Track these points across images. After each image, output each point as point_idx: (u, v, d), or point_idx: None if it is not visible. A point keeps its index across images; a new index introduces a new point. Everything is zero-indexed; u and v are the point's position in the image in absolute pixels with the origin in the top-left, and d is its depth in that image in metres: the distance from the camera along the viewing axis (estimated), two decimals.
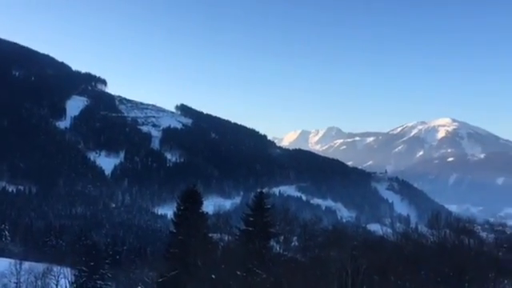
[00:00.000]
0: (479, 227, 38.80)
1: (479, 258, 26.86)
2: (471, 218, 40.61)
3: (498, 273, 24.79)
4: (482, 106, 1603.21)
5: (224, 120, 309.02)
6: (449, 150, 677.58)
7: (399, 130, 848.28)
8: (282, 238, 46.96)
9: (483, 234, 37.42)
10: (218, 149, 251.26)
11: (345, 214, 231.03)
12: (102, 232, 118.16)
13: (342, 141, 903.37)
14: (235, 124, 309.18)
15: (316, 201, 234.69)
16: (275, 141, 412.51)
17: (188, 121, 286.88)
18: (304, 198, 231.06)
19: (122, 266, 66.62)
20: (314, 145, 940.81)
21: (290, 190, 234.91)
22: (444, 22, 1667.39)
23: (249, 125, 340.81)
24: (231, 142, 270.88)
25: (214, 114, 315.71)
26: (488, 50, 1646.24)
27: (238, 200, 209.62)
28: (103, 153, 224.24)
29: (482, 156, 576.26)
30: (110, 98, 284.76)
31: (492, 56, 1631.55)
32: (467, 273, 23.15)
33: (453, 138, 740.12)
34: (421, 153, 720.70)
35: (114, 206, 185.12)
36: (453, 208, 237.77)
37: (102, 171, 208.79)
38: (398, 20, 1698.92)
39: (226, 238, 46.07)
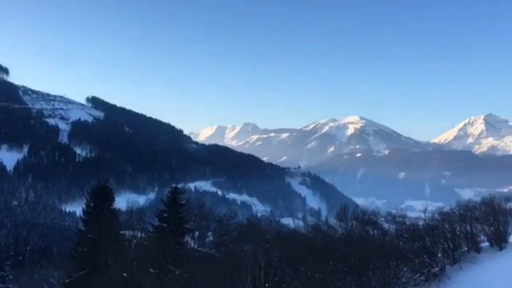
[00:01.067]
0: (383, 219, 41.22)
1: (382, 248, 28.57)
2: (376, 211, 43.10)
3: (398, 261, 26.54)
4: (386, 106, 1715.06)
5: (138, 114, 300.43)
6: (357, 146, 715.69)
7: (312, 126, 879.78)
8: (197, 233, 46.77)
9: (386, 225, 39.75)
10: (131, 143, 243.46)
11: (260, 208, 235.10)
12: (2, 232, 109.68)
13: (257, 136, 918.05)
14: (150, 118, 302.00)
15: (232, 196, 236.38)
16: (191, 136, 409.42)
17: (100, 114, 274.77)
18: (220, 193, 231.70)
19: (26, 266, 62.59)
20: (231, 140, 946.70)
21: (205, 186, 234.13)
22: (354, 24, 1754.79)
23: (164, 119, 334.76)
24: (146, 136, 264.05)
25: (127, 107, 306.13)
26: (393, 52, 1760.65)
27: (152, 196, 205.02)
28: (4, 147, 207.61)
29: (386, 152, 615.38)
30: (13, 88, 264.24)
31: (397, 58, 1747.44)
32: (371, 262, 24.53)
33: (361, 135, 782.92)
34: (332, 149, 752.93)
35: (16, 203, 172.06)
36: (360, 201, 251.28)
37: (2, 167, 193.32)
38: (308, 19, 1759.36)
39: (139, 234, 44.88)
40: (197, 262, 32.04)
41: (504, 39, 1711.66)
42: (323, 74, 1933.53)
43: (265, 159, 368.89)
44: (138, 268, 30.06)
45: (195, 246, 44.18)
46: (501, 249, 31.46)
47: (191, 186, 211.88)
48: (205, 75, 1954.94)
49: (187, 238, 42.13)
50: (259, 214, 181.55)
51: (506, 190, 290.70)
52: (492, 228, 32.65)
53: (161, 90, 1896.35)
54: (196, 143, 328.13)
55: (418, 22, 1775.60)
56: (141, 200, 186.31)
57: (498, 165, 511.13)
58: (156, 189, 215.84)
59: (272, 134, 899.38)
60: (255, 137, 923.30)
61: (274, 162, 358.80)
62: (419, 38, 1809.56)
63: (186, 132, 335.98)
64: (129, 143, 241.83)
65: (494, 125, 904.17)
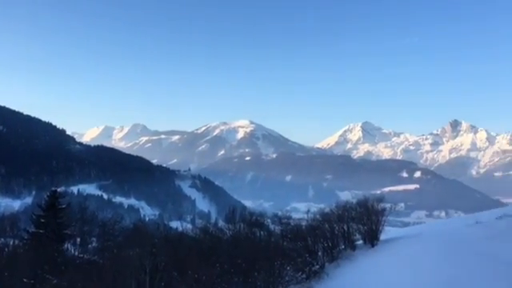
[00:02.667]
0: (269, 220, 42.38)
1: (268, 248, 29.49)
2: (263, 212, 44.29)
3: (282, 260, 27.53)
4: (275, 111, 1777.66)
5: (14, 111, 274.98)
6: (246, 150, 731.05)
7: (203, 129, 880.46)
8: (79, 239, 44.21)
9: (272, 227, 40.89)
10: (5, 143, 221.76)
11: (148, 212, 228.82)
12: None
13: (147, 138, 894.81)
14: (28, 116, 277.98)
15: (118, 199, 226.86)
16: (75, 136, 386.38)
17: None
18: (105, 196, 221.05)
19: None
20: (118, 141, 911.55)
21: (90, 189, 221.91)
22: (243, 29, 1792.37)
23: (45, 118, 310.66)
24: (22, 135, 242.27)
25: (1, 103, 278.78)
26: (279, 61, 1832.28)
27: (29, 200, 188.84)
28: None
29: (274, 156, 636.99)
30: None
31: (284, 67, 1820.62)
32: (257, 262, 25.18)
33: (250, 138, 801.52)
34: (222, 152, 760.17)
35: None
36: (248, 203, 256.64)
37: None
38: (198, 19, 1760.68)
39: (12, 242, 41.18)
40: (78, 269, 30.22)
41: (376, 51, 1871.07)
42: (215, 77, 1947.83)
43: (154, 161, 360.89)
44: (9, 278, 27.56)
45: (76, 253, 41.71)
46: (373, 246, 34.17)
47: (74, 189, 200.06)
48: (90, 73, 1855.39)
49: (67, 245, 39.69)
50: (147, 218, 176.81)
51: (378, 191, 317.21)
52: (366, 227, 35.28)
53: (41, 87, 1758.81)
54: (80, 144, 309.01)
55: (300, 37, 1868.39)
56: (15, 205, 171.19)
57: (373, 169, 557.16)
58: (33, 192, 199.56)
59: (162, 136, 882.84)
60: (145, 138, 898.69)
61: (164, 165, 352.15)
62: (297, 49, 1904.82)
63: (69, 132, 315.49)
64: (2, 143, 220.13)
65: (369, 132, 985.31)
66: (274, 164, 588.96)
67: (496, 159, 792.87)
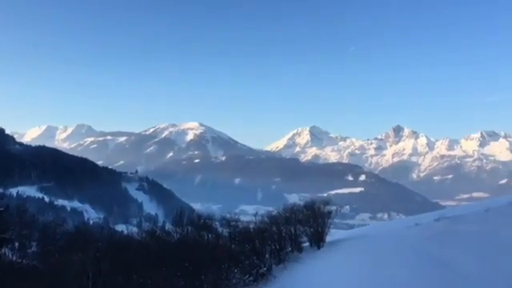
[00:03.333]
0: (217, 223, 42.26)
1: (215, 251, 29.44)
2: (211, 215, 44.10)
3: (230, 263, 27.57)
4: (225, 114, 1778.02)
5: None
6: (196, 152, 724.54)
7: (151, 131, 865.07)
8: (17, 244, 42.23)
9: (221, 229, 40.81)
10: None
11: (93, 215, 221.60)
12: None
13: (92, 139, 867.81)
14: None
15: (61, 202, 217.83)
16: (15, 136, 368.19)
17: None
18: (47, 199, 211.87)
19: None
20: (62, 142, 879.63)
21: (30, 191, 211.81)
22: (196, 29, 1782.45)
23: None
24: None
25: None
26: (227, 63, 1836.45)
27: None
28: None
29: (224, 158, 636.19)
30: None
31: (231, 70, 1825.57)
32: (204, 265, 25.08)
33: (200, 141, 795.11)
34: (171, 154, 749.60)
35: None
36: (197, 206, 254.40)
37: None
38: (146, 22, 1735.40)
39: None
40: (16, 275, 28.83)
41: (322, 59, 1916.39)
42: (165, 78, 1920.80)
43: (100, 163, 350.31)
44: None
45: (15, 258, 39.81)
46: (319, 247, 34.89)
47: (13, 191, 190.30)
48: (31, 70, 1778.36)
49: (5, 250, 37.79)
50: (91, 221, 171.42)
51: (325, 194, 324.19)
52: (312, 229, 35.97)
53: None
54: (20, 144, 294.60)
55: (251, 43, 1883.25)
56: None
57: (320, 172, 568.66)
58: None
59: (109, 137, 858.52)
60: (90, 139, 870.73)
61: (110, 167, 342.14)
62: (253, 53, 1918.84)
63: (8, 131, 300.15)
64: None
65: (317, 136, 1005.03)
66: (223, 167, 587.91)
67: (435, 164, 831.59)
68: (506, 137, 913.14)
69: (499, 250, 23.49)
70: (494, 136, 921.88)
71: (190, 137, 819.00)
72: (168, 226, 48.42)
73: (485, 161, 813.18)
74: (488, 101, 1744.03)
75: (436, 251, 24.15)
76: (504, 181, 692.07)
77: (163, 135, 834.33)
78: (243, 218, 46.80)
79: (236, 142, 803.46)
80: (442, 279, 20.02)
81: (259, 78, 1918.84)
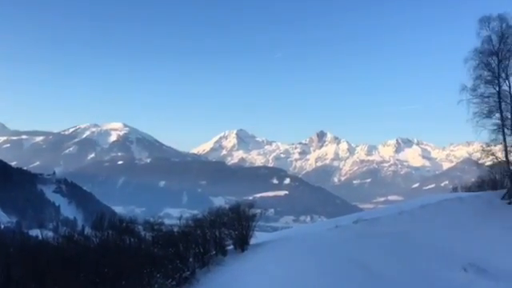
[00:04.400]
0: (140, 227, 41.20)
1: (137, 256, 28.71)
2: (133, 218, 42.92)
3: (152, 267, 27.06)
4: (150, 115, 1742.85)
5: None
6: (119, 154, 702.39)
7: (71, 130, 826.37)
8: None
9: (144, 233, 39.88)
10: None
11: (4, 219, 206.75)
12: None
13: (5, 138, 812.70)
14: None
15: None
16: None
17: None
18: None
19: None
20: None
21: None
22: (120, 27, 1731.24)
23: None
24: None
25: None
26: (153, 64, 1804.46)
27: None
28: None
29: (148, 160, 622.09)
30: None
31: (158, 69, 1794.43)
32: (125, 270, 24.38)
33: (123, 142, 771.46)
34: (92, 155, 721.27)
35: None
36: (119, 209, 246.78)
37: None
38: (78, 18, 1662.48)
39: None
40: None
41: (249, 65, 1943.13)
42: (87, 76, 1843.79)
43: (13, 164, 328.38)
44: None
45: None
46: (243, 250, 35.17)
47: None
48: None
49: None
50: (2, 226, 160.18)
51: (251, 197, 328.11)
52: (237, 232, 36.20)
53: None
54: None
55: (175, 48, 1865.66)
56: None
57: (246, 175, 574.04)
58: None
59: (24, 137, 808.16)
60: (3, 138, 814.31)
61: (25, 168, 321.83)
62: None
63: None
64: None
65: (244, 139, 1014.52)
66: (148, 169, 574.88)
67: (355, 168, 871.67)
68: (418, 144, 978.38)
69: (410, 250, 25.10)
70: (408, 143, 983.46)
71: (113, 138, 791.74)
72: (87, 231, 46.54)
73: (399, 166, 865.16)
74: (403, 109, 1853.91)
75: (354, 252, 25.31)
76: (416, 185, 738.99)
77: (84, 135, 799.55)
78: (167, 222, 46.06)
79: (162, 144, 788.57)
80: (358, 279, 21.01)
81: (188, 79, 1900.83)
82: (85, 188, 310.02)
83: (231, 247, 36.67)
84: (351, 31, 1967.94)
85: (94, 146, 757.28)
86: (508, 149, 38.38)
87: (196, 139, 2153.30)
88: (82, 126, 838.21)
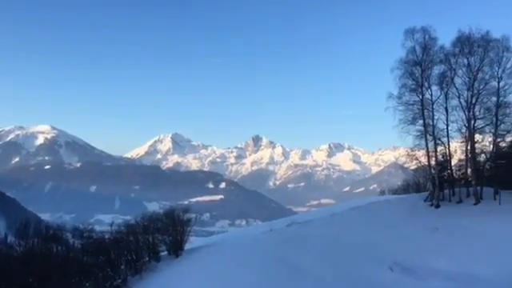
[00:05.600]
0: (69, 234, 39.61)
1: (65, 264, 27.53)
2: (61, 226, 41.17)
3: (81, 276, 26.05)
4: (81, 118, 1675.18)
5: None
6: (46, 158, 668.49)
7: None
8: None
9: (72, 241, 38.37)
10: None
11: None
12: None
13: None
14: None
15: None
16: None
17: None
18: None
19: None
20: None
21: None
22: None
23: None
24: None
25: None
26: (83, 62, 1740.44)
27: None
28: None
29: (79, 165, 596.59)
30: None
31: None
32: (52, 279, 23.29)
33: (51, 145, 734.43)
34: (17, 159, 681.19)
35: None
36: (46, 216, 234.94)
37: None
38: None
39: None
40: None
41: (187, 68, 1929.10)
42: (11, 77, 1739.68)
43: None
44: None
45: None
46: (177, 256, 34.77)
47: None
48: None
49: None
50: None
51: (186, 202, 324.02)
52: (171, 237, 35.77)
53: None
54: None
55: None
56: None
57: (181, 179, 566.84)
58: None
59: None
60: None
61: None
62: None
63: None
64: None
65: (179, 143, 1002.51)
66: (78, 173, 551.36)
67: (289, 172, 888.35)
68: (349, 148, 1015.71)
69: (340, 251, 26.01)
70: (339, 148, 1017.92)
71: (40, 141, 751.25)
72: (10, 239, 44.05)
73: (332, 170, 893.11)
74: (335, 115, 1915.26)
75: (287, 254, 25.83)
76: (347, 188, 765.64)
77: (8, 138, 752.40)
78: (98, 228, 44.62)
79: (93, 148, 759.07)
80: (291, 280, 21.47)
81: (121, 82, 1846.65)
82: (8, 194, 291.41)
83: (165, 253, 36.16)
84: (289, 37, 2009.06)
85: (18, 150, 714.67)
86: (430, 154, 40.94)
87: (130, 143, 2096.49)
88: (6, 129, 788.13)
